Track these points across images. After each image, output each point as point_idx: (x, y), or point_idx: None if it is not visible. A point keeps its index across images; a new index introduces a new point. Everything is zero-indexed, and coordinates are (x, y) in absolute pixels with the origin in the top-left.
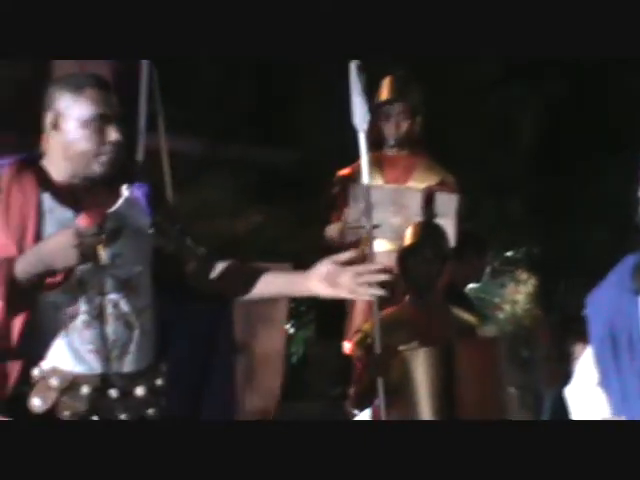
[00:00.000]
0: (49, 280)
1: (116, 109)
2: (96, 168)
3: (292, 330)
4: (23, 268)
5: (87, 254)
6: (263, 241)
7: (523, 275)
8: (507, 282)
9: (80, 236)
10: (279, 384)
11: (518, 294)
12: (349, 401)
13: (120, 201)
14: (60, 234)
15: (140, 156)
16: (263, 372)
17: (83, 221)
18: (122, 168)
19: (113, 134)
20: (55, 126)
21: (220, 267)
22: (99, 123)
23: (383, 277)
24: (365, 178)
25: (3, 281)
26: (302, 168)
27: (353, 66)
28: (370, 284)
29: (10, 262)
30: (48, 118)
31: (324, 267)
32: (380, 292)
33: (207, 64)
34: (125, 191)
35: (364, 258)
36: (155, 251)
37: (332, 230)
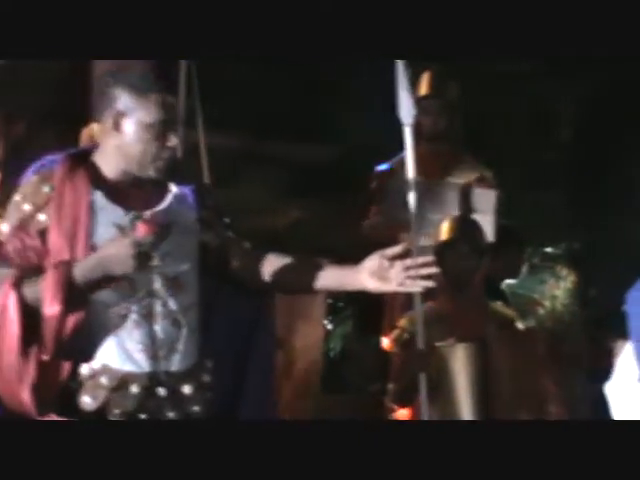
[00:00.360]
0: (104, 284)
1: (176, 112)
2: (152, 171)
3: (330, 326)
4: (81, 273)
5: (143, 262)
6: (301, 237)
7: (563, 271)
8: (547, 278)
9: (138, 245)
10: (317, 379)
11: (558, 290)
12: (388, 397)
13: (169, 198)
14: (118, 243)
15: (179, 152)
16: (301, 367)
17: (141, 230)
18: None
19: (172, 139)
20: (115, 125)
21: (269, 261)
22: (161, 128)
23: (431, 270)
24: (410, 172)
25: (62, 286)
26: (340, 164)
27: (399, 61)
28: (418, 277)
29: (68, 266)
30: (108, 116)
31: (373, 261)
32: (429, 284)
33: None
34: (173, 187)
35: (410, 252)
36: (201, 246)
37: (370, 225)
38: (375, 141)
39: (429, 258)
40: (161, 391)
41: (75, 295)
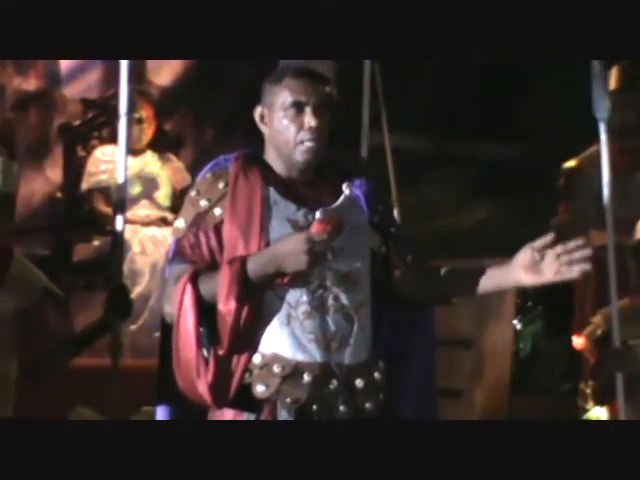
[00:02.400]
0: (277, 280)
1: (317, 97)
2: (299, 155)
3: (519, 326)
4: (254, 268)
5: (316, 259)
6: (488, 236)
7: None
8: None
9: (312, 242)
10: (508, 379)
11: None
12: (581, 397)
13: (341, 199)
14: (293, 239)
15: (364, 152)
16: (492, 367)
17: (315, 228)
18: (341, 164)
19: (308, 120)
20: (262, 120)
21: (428, 274)
22: (295, 110)
23: (583, 253)
24: (605, 168)
25: (237, 282)
26: (527, 162)
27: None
28: (572, 262)
29: (242, 262)
30: (256, 114)
31: (525, 256)
32: (585, 267)
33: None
34: (346, 189)
35: (559, 240)
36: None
37: (559, 223)
38: (562, 138)
39: (579, 241)
40: (333, 382)
41: (249, 290)
